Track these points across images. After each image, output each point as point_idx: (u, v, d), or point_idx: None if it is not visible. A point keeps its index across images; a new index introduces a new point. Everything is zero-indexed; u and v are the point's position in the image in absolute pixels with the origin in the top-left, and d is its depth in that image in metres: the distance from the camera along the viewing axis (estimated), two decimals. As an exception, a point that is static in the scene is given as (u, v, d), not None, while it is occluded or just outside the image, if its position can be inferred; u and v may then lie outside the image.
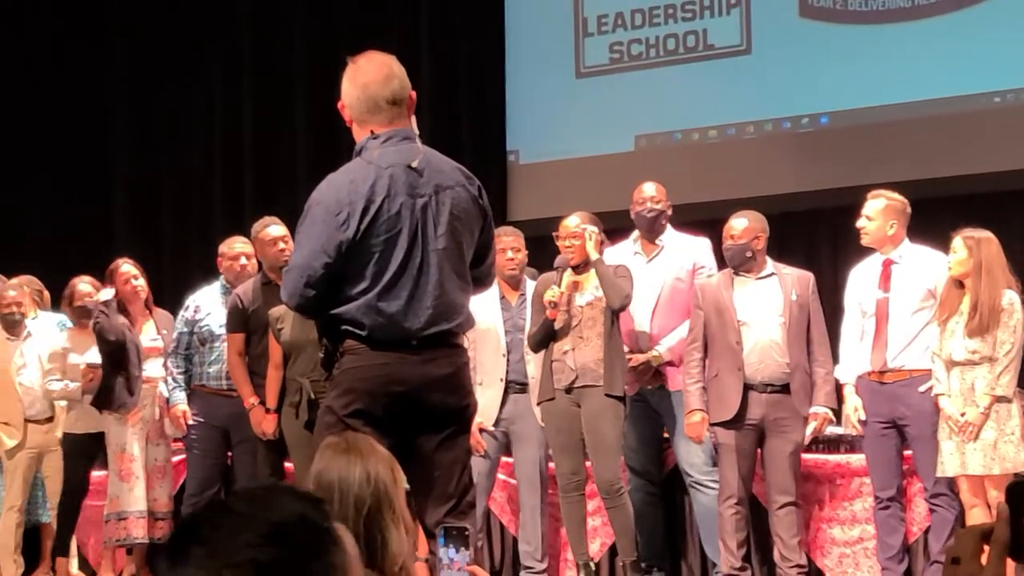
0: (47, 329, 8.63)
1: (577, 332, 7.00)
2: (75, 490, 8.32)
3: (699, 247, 7.52)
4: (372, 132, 4.37)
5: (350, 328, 4.27)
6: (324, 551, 1.61)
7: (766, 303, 7.02)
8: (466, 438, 4.49)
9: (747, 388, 6.91)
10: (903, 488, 6.95)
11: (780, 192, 9.77)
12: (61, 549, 8.39)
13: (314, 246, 4.25)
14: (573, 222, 7.17)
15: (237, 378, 7.54)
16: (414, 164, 4.33)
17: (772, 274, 7.13)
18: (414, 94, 4.46)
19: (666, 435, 7.41)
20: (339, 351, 4.31)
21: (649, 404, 7.32)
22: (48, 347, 8.43)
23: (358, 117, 4.41)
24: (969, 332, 6.48)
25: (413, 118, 4.47)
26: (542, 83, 11.04)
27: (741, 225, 7.11)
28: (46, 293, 8.98)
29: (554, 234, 7.26)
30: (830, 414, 6.97)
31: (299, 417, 6.84)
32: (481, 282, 4.59)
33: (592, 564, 7.05)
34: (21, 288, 8.77)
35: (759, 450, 6.98)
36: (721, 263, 7.34)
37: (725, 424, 6.94)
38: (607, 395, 6.88)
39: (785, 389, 6.94)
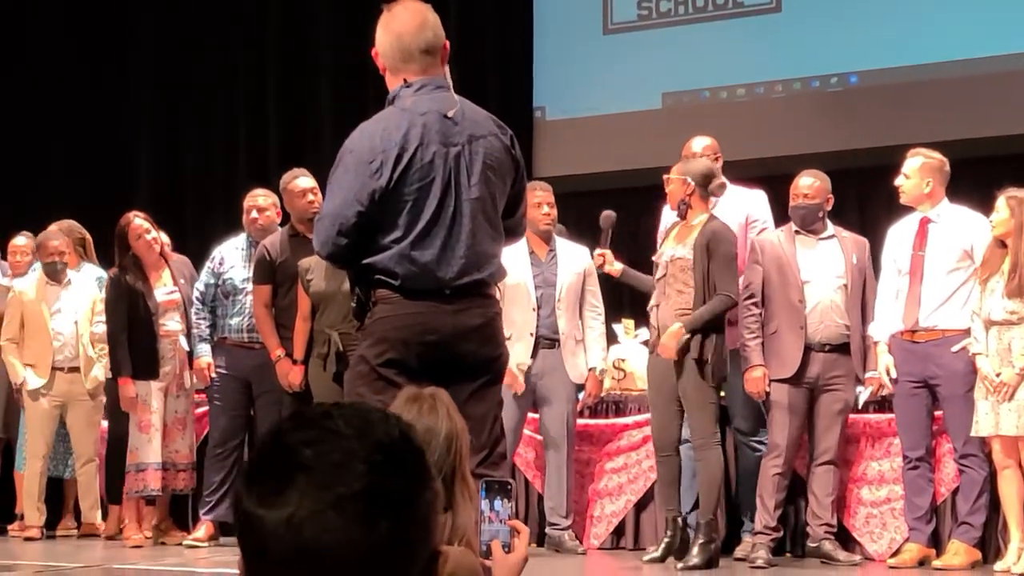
0: (89, 282, 8.63)
1: (661, 287, 6.91)
2: (119, 439, 8.27)
3: (754, 200, 7.45)
4: (405, 80, 4.33)
5: (383, 277, 4.22)
6: (430, 477, 1.49)
7: (828, 264, 7.01)
8: (498, 389, 4.44)
9: (806, 347, 6.91)
10: (932, 448, 6.92)
11: (808, 152, 9.66)
12: (114, 496, 8.38)
13: (347, 195, 4.20)
14: (674, 168, 7.00)
15: (264, 330, 7.51)
16: (450, 113, 4.28)
17: (832, 236, 7.10)
18: (448, 43, 4.42)
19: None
20: (371, 301, 4.28)
21: None
22: (95, 292, 8.43)
23: (391, 65, 4.37)
24: (1008, 292, 6.44)
25: (447, 67, 4.42)
26: (569, 39, 10.96)
27: (814, 184, 7.07)
28: (88, 238, 8.95)
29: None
30: (884, 378, 6.92)
31: (327, 369, 6.80)
32: (513, 233, 4.55)
33: (679, 520, 6.94)
34: (64, 237, 8.72)
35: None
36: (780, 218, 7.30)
37: (782, 381, 6.92)
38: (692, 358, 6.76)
39: (841, 349, 6.95)
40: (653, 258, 7.06)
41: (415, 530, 1.45)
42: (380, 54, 4.39)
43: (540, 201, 7.63)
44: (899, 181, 6.94)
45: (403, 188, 4.20)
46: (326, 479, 1.40)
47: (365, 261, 4.24)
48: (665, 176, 6.98)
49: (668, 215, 7.25)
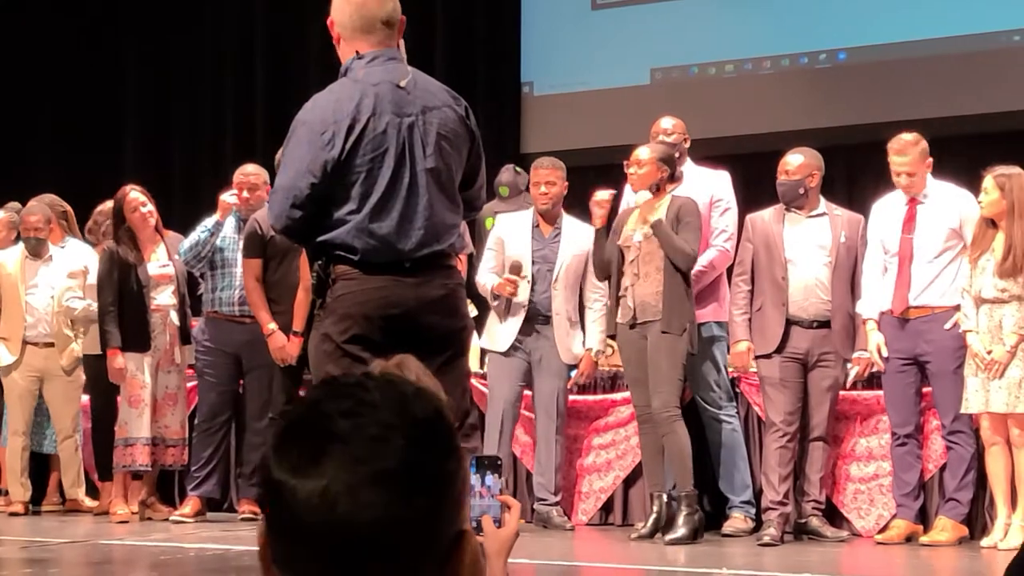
0: (72, 257, 8.57)
1: (634, 268, 6.90)
2: (103, 415, 8.26)
3: (718, 180, 7.44)
4: (357, 52, 4.31)
5: (342, 253, 4.21)
6: (458, 452, 1.44)
7: (815, 242, 7.02)
8: (464, 361, 4.45)
9: (792, 323, 6.93)
10: (920, 425, 6.92)
11: (796, 128, 9.67)
12: (104, 473, 8.35)
13: (299, 167, 4.19)
14: (641, 151, 7.00)
15: (254, 303, 7.50)
16: (402, 83, 4.27)
17: (823, 213, 7.10)
18: (404, 17, 4.40)
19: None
20: (331, 278, 4.26)
21: None
22: (71, 265, 8.39)
23: (348, 36, 4.35)
24: (1001, 273, 6.44)
25: (402, 41, 4.41)
26: (558, 14, 10.93)
27: (797, 161, 7.06)
28: (70, 211, 8.89)
29: (624, 161, 7.11)
30: (875, 357, 6.91)
31: None
32: (471, 205, 4.53)
33: (664, 496, 6.95)
34: (41, 212, 8.64)
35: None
36: (750, 198, 7.28)
37: (767, 356, 6.94)
38: (663, 332, 6.77)
39: (830, 325, 6.96)
40: (619, 243, 7.02)
41: (449, 508, 1.42)
42: (337, 23, 4.37)
43: (539, 180, 7.63)
44: (904, 181, 6.86)
45: (355, 159, 4.18)
46: (363, 452, 1.36)
47: (322, 237, 4.22)
48: (635, 159, 6.96)
49: (627, 198, 7.21)
